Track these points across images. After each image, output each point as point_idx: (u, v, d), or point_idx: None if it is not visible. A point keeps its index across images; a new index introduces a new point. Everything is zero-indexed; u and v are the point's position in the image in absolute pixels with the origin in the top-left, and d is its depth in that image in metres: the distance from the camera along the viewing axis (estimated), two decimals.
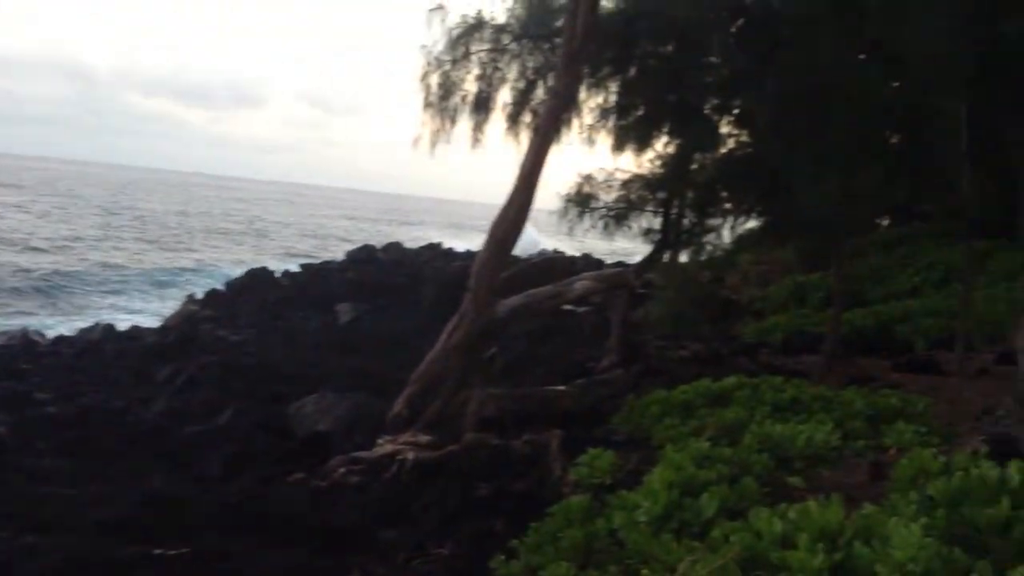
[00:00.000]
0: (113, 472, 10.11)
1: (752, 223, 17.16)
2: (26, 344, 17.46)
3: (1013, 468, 3.43)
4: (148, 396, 13.25)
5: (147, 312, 26.04)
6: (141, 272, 35.90)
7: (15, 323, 21.34)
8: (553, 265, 15.01)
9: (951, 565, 2.66)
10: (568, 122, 15.43)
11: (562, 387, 10.95)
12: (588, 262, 35.43)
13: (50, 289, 29.33)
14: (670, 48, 14.14)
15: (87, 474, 9.76)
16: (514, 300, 10.61)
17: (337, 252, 36.52)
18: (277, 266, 32.18)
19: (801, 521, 3.06)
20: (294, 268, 31.18)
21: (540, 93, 14.86)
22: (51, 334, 19.46)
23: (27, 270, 32.24)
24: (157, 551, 6.42)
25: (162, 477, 9.73)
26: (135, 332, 19.15)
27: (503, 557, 5.31)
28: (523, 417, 10.21)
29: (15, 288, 28.49)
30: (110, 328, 19.25)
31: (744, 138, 16.96)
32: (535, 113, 14.82)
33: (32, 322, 22.04)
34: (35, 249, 40.02)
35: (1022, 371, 6.92)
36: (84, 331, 19.58)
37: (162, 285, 32.88)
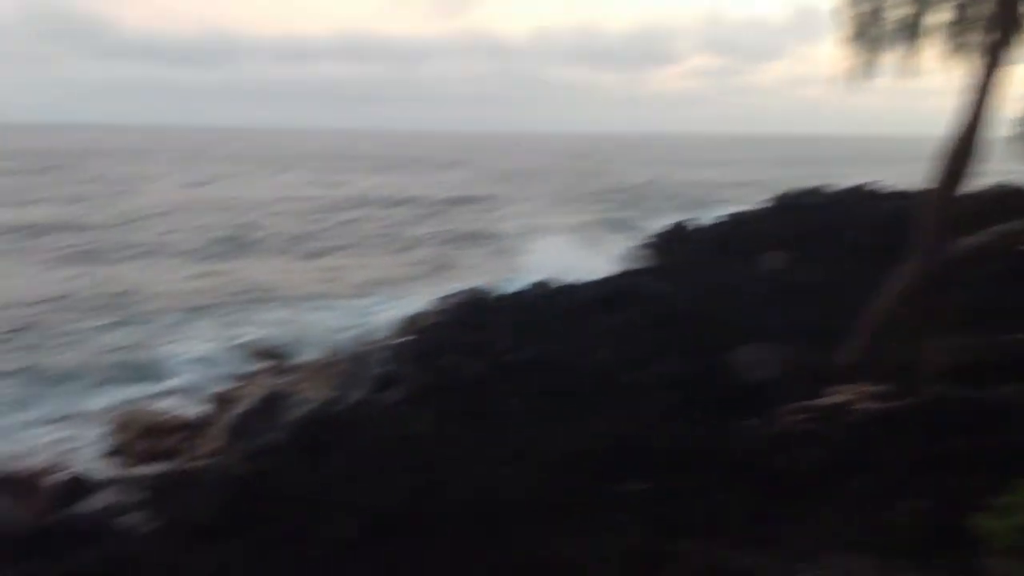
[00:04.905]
0: (567, 413, 10.96)
1: None
2: (477, 301, 19.46)
3: None
4: (590, 345, 14.06)
5: None
6: None
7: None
8: (1005, 197, 13.21)
9: None
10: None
11: None
12: None
13: None
14: None
15: (546, 415, 10.67)
16: (972, 240, 9.60)
17: (757, 200, 35.81)
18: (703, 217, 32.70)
19: None
20: (717, 218, 31.22)
21: (983, 9, 13.16)
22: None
23: None
24: (622, 487, 6.85)
25: (609, 419, 10.33)
26: (571, 287, 20.39)
27: (984, 513, 4.86)
28: (985, 368, 9.24)
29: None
30: (544, 284, 20.69)
31: None
32: (977, 32, 13.18)
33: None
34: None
35: None
36: (521, 288, 21.23)
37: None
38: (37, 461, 10.46)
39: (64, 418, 14.08)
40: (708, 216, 33.79)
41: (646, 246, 26.08)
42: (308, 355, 16.56)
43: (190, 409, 13.26)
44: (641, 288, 17.62)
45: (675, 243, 25.23)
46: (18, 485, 9.27)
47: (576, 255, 27.27)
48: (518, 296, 19.75)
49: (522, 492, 7.23)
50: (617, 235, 34.29)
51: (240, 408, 12.04)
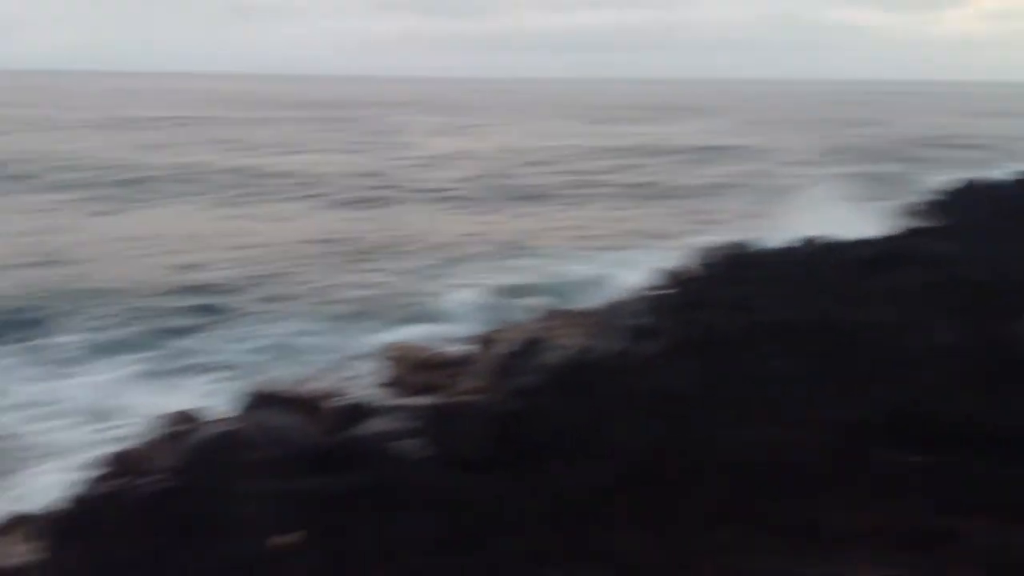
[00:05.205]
0: (835, 377, 10.40)
1: None
2: (737, 255, 18.87)
3: None
4: (859, 306, 13.28)
5: None
6: None
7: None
8: None
9: None
10: None
11: None
12: None
13: None
14: None
15: (812, 377, 10.18)
16: None
17: None
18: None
19: None
20: (1016, 174, 28.44)
21: None
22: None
23: None
24: (898, 457, 6.42)
25: (883, 385, 9.69)
26: (839, 244, 19.31)
27: None
28: None
29: None
30: (809, 240, 19.68)
31: None
32: None
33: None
34: None
35: None
36: (784, 243, 20.33)
37: None
38: (321, 385, 11.41)
39: (344, 350, 15.35)
40: (1001, 172, 30.80)
41: (927, 204, 24.17)
42: (566, 303, 16.88)
43: (457, 348, 13.97)
44: (920, 248, 16.41)
45: (963, 201, 23.15)
46: (305, 405, 10.14)
47: (844, 210, 25.82)
48: (781, 251, 18.98)
49: (787, 455, 6.97)
50: (892, 190, 32.06)
51: (502, 349, 12.47)
